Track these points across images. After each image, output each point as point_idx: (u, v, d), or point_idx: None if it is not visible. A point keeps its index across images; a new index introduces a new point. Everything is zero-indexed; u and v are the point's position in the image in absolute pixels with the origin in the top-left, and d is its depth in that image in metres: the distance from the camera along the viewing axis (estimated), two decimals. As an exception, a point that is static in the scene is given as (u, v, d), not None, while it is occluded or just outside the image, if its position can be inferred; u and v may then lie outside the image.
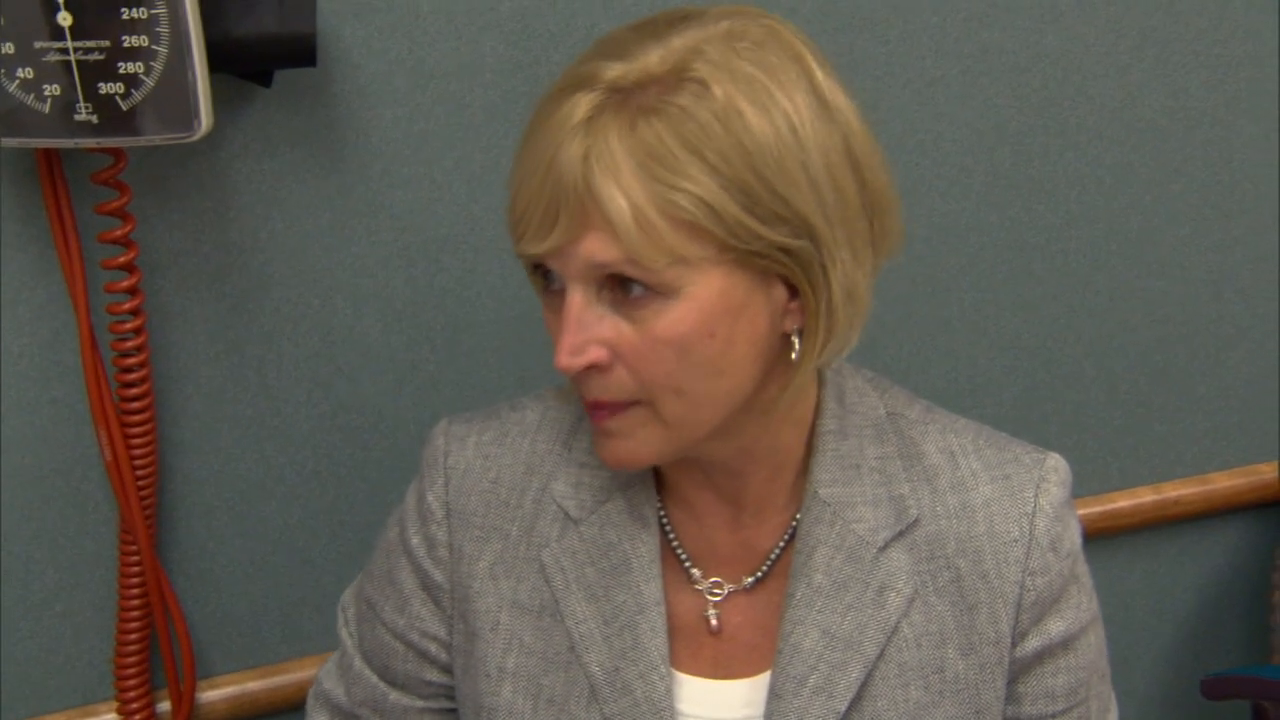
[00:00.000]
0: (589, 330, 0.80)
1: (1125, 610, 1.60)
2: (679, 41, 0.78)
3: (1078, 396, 1.48)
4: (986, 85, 1.32)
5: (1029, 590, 0.90)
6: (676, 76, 0.76)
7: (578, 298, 0.79)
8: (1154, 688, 1.66)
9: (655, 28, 0.79)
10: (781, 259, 0.79)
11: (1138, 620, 1.62)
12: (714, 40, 0.78)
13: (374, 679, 0.98)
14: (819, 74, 0.80)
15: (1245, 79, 1.41)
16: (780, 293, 0.81)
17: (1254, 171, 1.46)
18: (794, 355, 0.84)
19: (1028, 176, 1.37)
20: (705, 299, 0.78)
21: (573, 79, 0.79)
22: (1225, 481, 1.56)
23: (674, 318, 0.78)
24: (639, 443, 0.84)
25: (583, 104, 0.76)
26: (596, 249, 0.77)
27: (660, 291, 0.78)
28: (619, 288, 0.79)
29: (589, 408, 0.85)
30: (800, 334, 0.83)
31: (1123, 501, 1.52)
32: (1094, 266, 1.43)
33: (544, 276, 0.83)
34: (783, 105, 0.77)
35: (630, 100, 0.76)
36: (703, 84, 0.76)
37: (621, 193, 0.75)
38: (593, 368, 0.81)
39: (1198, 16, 1.37)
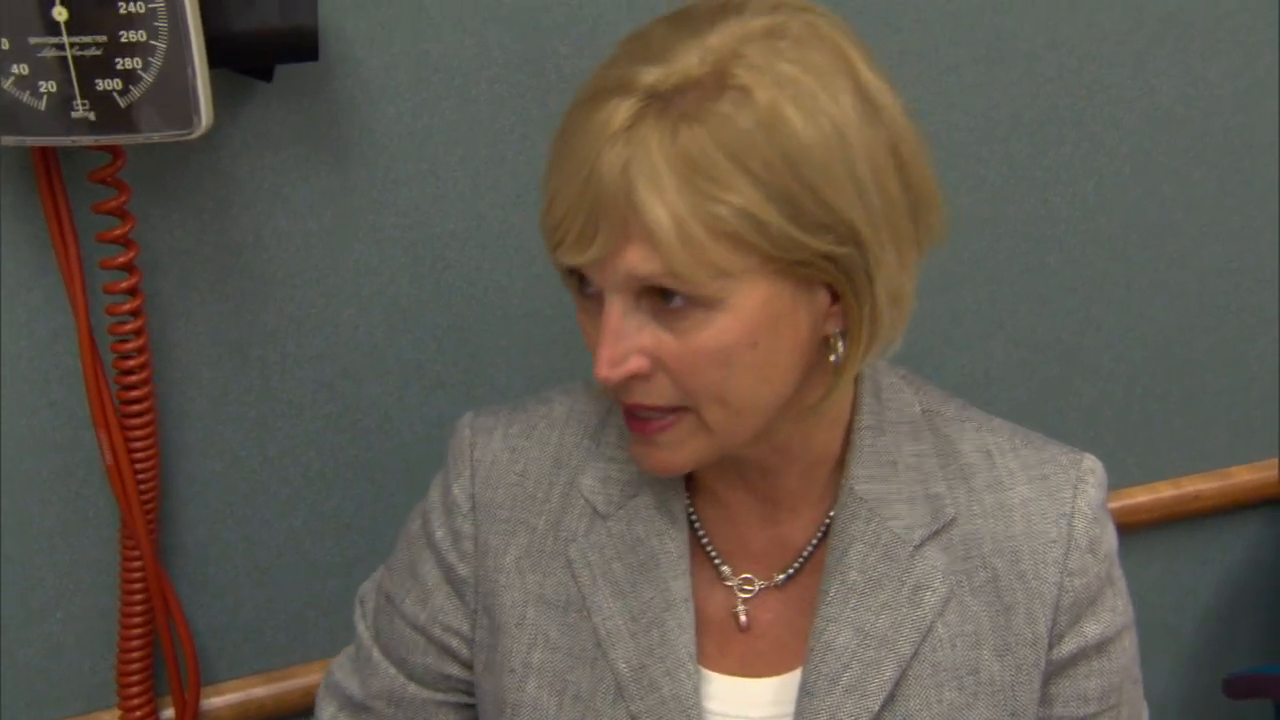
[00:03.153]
0: (628, 340, 0.79)
1: (1144, 607, 1.56)
2: (716, 40, 0.75)
3: (1095, 390, 1.46)
4: (1001, 73, 1.30)
5: (1067, 591, 0.89)
6: (717, 81, 0.74)
7: (616, 308, 0.78)
8: (1173, 686, 1.65)
9: (691, 23, 0.77)
10: (825, 266, 0.77)
11: (1157, 617, 1.61)
12: (754, 39, 0.75)
13: (392, 671, 0.97)
14: (864, 72, 0.78)
15: (1265, 67, 1.39)
16: (822, 297, 0.80)
17: (1275, 162, 1.44)
18: (833, 358, 0.83)
19: (1043, 166, 1.35)
20: (748, 310, 0.77)
21: (608, 83, 0.76)
22: (1246, 476, 1.55)
23: (716, 329, 0.77)
24: (683, 453, 0.83)
25: (621, 111, 0.74)
26: (637, 261, 0.75)
27: (702, 303, 0.76)
28: (659, 296, 0.77)
29: (628, 416, 0.83)
30: (842, 336, 0.82)
31: (1142, 496, 1.51)
32: (1111, 258, 1.41)
33: (580, 279, 0.81)
34: (828, 108, 0.75)
35: (671, 107, 0.74)
36: (745, 90, 0.74)
37: (664, 205, 0.73)
38: (633, 377, 0.80)
39: (1217, 2, 1.35)
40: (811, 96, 0.75)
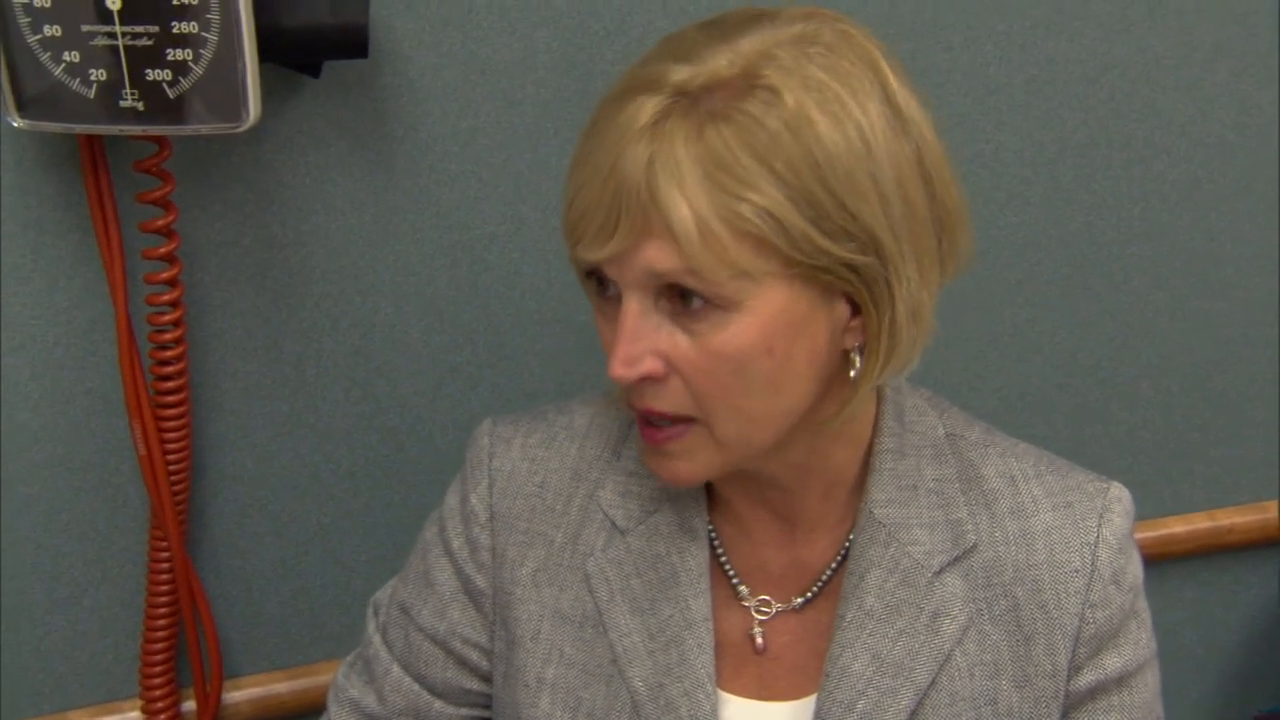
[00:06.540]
0: (645, 340, 0.78)
1: (1175, 639, 1.57)
2: (748, 44, 0.75)
3: (1133, 417, 1.45)
4: (1051, 95, 1.29)
5: (1088, 623, 0.88)
6: (746, 82, 0.74)
7: (634, 306, 0.77)
8: (1200, 719, 1.62)
9: (723, 29, 0.77)
10: (846, 275, 0.76)
11: (1187, 650, 1.59)
12: (785, 44, 0.75)
13: (415, 687, 0.96)
14: (893, 82, 0.77)
15: (1319, 96, 1.38)
16: (842, 309, 0.79)
17: (1323, 192, 1.42)
18: (852, 374, 0.82)
19: (1090, 190, 1.34)
20: (766, 314, 0.76)
21: (637, 81, 0.76)
22: (1283, 511, 1.53)
23: (733, 332, 0.76)
24: (696, 463, 0.82)
25: (648, 107, 0.74)
26: (657, 258, 0.74)
27: (720, 304, 0.75)
28: (677, 298, 0.76)
29: (641, 422, 0.82)
30: (860, 351, 0.81)
31: (1177, 527, 1.49)
32: (1154, 285, 1.40)
33: (598, 282, 0.80)
34: (855, 115, 0.74)
35: (698, 105, 0.74)
36: (773, 91, 0.73)
37: (685, 201, 0.72)
38: (647, 379, 0.79)
39: (1271, 30, 1.34)
40: (839, 102, 0.74)
